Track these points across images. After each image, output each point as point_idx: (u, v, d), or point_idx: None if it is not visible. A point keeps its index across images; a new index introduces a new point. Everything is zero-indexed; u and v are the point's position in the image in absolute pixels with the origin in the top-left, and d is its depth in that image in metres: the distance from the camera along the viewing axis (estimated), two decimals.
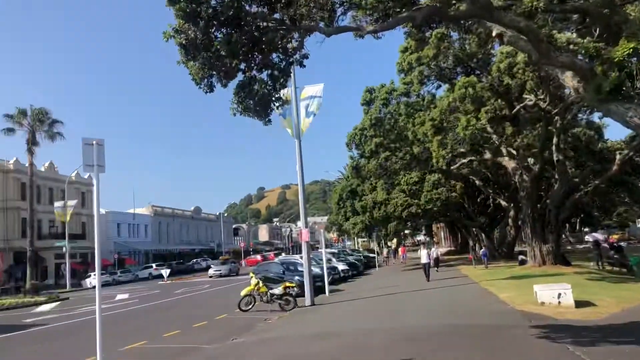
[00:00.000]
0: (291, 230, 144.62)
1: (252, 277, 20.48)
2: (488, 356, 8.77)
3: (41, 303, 30.55)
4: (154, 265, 59.48)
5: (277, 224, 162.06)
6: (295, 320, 16.18)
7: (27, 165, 49.23)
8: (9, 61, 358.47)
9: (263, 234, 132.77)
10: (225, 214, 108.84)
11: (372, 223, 36.00)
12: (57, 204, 50.17)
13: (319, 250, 35.75)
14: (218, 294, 29.37)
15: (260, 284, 19.43)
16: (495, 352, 9.04)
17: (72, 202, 49.69)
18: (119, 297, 31.81)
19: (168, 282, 45.18)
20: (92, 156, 7.96)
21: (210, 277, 46.47)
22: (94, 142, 8.00)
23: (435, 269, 30.62)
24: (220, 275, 46.79)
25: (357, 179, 36.80)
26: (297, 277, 23.55)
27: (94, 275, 52.42)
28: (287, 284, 19.71)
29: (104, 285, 50.22)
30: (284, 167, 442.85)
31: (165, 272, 47.30)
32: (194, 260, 70.49)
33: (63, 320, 21.38)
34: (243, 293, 19.73)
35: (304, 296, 20.01)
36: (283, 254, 67.73)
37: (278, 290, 19.26)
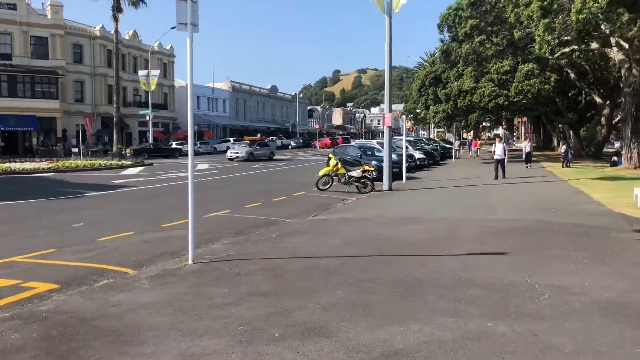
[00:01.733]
0: (364, 116, 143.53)
1: (330, 157, 20.28)
2: (593, 257, 8.13)
3: (128, 166, 32.19)
4: (231, 139, 60.98)
5: (351, 108, 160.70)
6: (373, 203, 15.98)
7: (112, 32, 49.96)
8: None
9: (337, 117, 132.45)
10: (301, 95, 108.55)
11: (454, 112, 34.47)
12: (141, 72, 51.24)
13: (396, 137, 34.99)
14: (293, 172, 29.76)
15: (339, 165, 19.24)
16: (598, 254, 8.38)
17: (155, 72, 50.57)
18: (200, 167, 32.93)
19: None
20: (186, 14, 7.42)
21: (230, 159, 40.82)
22: None
23: (527, 165, 29.37)
24: (242, 159, 40.28)
25: (445, 65, 34.77)
26: (374, 162, 23.18)
27: (175, 144, 54.59)
28: (366, 167, 19.43)
29: (184, 155, 52.39)
30: (361, 51, 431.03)
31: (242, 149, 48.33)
32: (270, 138, 71.73)
33: (149, 184, 22.33)
34: (321, 173, 19.73)
35: (380, 181, 19.78)
36: (357, 140, 67.26)
37: (356, 172, 19.04)
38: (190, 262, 7.69)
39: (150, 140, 51.43)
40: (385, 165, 19.80)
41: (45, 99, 49.59)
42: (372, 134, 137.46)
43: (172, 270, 7.31)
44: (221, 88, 79.32)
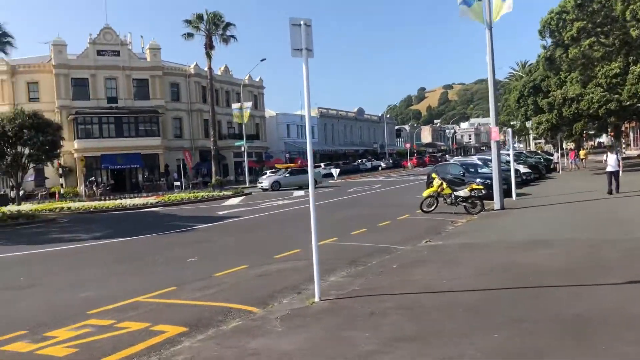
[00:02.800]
0: (455, 132, 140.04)
1: (434, 177, 19.45)
2: None
3: (228, 197, 32.95)
4: (322, 164, 61.30)
5: (440, 125, 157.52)
6: (488, 225, 14.95)
7: (205, 69, 52.20)
8: None
9: (425, 135, 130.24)
10: (388, 116, 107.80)
11: (559, 122, 32.35)
12: (235, 105, 52.93)
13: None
14: (391, 194, 29.04)
15: (444, 185, 18.36)
16: None
17: (247, 104, 52.07)
18: (296, 193, 33.08)
19: (338, 180, 46.29)
20: (301, 39, 7.13)
21: (263, 189, 40.18)
22: (302, 22, 7.13)
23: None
24: (266, 189, 39.65)
25: (549, 72, 32.83)
26: (479, 179, 21.99)
27: (269, 172, 55.64)
28: (474, 186, 18.37)
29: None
30: (445, 67, 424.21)
31: (335, 171, 48.39)
32: (359, 160, 71.49)
33: (251, 213, 22.53)
34: (425, 194, 18.91)
35: (487, 199, 18.67)
36: (455, 157, 65.29)
37: (463, 192, 18.06)
38: (317, 299, 7.26)
39: (246, 171, 52.68)
40: (495, 181, 18.64)
41: (148, 137, 52.40)
42: (464, 150, 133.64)
43: (301, 310, 6.90)
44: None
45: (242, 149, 51.29)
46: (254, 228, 17.76)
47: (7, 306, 8.31)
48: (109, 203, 30.73)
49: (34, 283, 10.13)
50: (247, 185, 48.04)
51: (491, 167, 26.08)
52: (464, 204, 18.01)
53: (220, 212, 23.60)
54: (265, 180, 42.07)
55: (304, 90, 7.40)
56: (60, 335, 6.56)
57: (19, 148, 33.65)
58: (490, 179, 20.99)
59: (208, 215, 22.66)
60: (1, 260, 13.54)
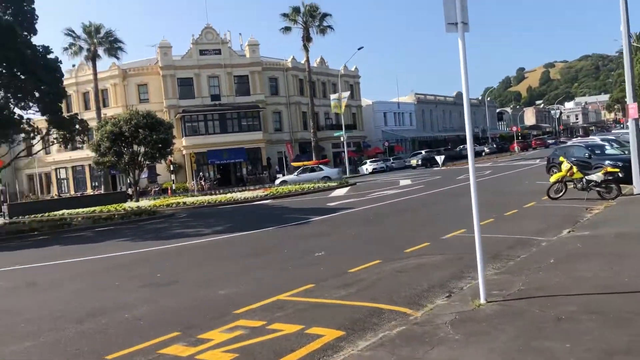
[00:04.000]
0: (561, 112, 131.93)
1: (563, 161, 17.90)
2: None
3: (334, 188, 32.71)
4: (422, 152, 59.75)
5: (544, 106, 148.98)
6: (635, 211, 13.43)
7: (302, 62, 52.50)
8: None
9: (529, 117, 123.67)
10: (488, 99, 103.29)
11: None
12: (333, 96, 52.78)
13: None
14: (506, 181, 27.37)
15: (575, 169, 16.80)
16: None
17: (345, 94, 51.71)
18: (402, 182, 32.21)
19: (444, 168, 44.78)
20: (455, 12, 6.40)
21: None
22: None
23: None
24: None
25: None
26: (607, 162, 20.06)
27: (369, 162, 55.05)
28: (609, 169, 16.68)
29: (379, 172, 52.48)
30: (546, 44, 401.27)
31: (440, 158, 46.87)
32: (461, 146, 68.97)
33: (363, 204, 21.98)
34: (552, 179, 17.44)
35: (623, 183, 16.95)
36: (564, 139, 61.19)
37: (596, 176, 16.42)
38: (482, 301, 6.54)
39: (345, 161, 52.43)
40: (635, 163, 16.82)
41: (250, 132, 53.61)
42: (571, 131, 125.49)
43: (469, 314, 6.20)
44: (406, 102, 78.82)
45: (342, 139, 51.07)
46: (371, 220, 17.21)
47: (153, 304, 8.31)
48: (221, 197, 31.54)
49: (172, 280, 10.20)
50: (347, 175, 47.75)
51: (619, 148, 23.95)
52: (597, 188, 16.41)
53: (331, 204, 23.29)
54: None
55: (461, 71, 6.66)
56: (215, 337, 6.34)
57: (135, 147, 35.44)
58: (621, 160, 19.19)
59: (319, 207, 22.45)
60: (134, 256, 13.94)
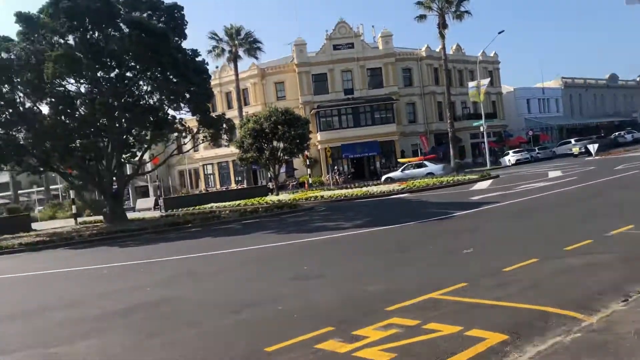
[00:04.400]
0: None
1: None
2: None
3: (475, 181, 31.37)
4: (572, 140, 55.29)
5: None
6: None
7: (437, 50, 51.06)
8: None
9: None
10: None
11: None
12: (471, 84, 50.74)
13: None
14: None
15: None
16: None
17: (484, 81, 49.43)
18: (552, 174, 29.99)
19: (597, 157, 41.04)
20: None
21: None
22: None
23: None
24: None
25: None
26: None
27: (512, 152, 52.16)
28: None
29: (523, 163, 49.49)
30: None
31: (593, 147, 42.97)
32: (617, 133, 62.78)
33: (509, 198, 20.73)
34: None
35: None
36: None
37: None
38: None
39: (486, 152, 50.12)
40: None
41: (384, 124, 53.42)
42: None
43: None
44: (551, 87, 73.53)
45: (481, 129, 48.92)
46: (521, 215, 16.12)
47: (304, 297, 8.40)
48: (357, 191, 31.71)
49: (318, 273, 10.29)
50: (488, 167, 45.63)
51: None
52: None
53: (474, 198, 22.29)
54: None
55: None
56: (370, 335, 6.18)
57: (275, 143, 36.88)
58: None
59: (461, 201, 21.58)
60: (281, 249, 14.37)
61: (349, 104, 54.31)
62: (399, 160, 48.17)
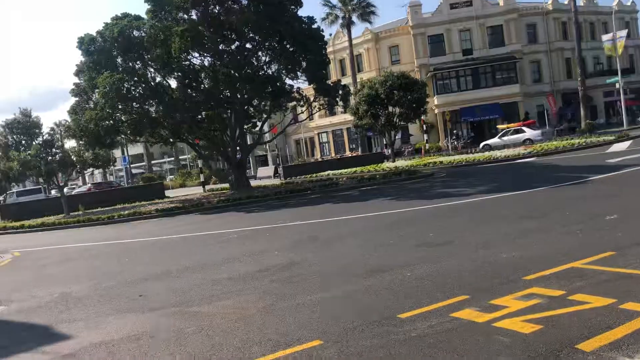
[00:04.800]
0: None
1: None
2: None
3: (610, 142, 28.77)
4: None
5: None
6: None
7: (565, 2, 46.98)
8: None
9: None
10: None
11: None
12: (605, 37, 46.18)
13: None
14: None
15: None
16: None
17: (622, 32, 44.68)
18: None
19: None
20: None
21: None
22: None
23: None
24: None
25: None
26: None
27: None
28: None
29: None
30: None
31: None
32: None
33: None
34: None
35: None
36: None
37: None
38: None
39: (622, 111, 45.70)
40: None
41: (505, 85, 50.62)
42: None
43: None
44: None
45: (617, 86, 44.55)
46: None
47: (433, 264, 8.12)
48: (478, 156, 30.43)
49: (446, 240, 9.94)
50: (624, 127, 41.63)
51: None
52: None
53: (611, 160, 20.42)
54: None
55: None
56: (509, 304, 5.81)
57: (390, 108, 36.31)
58: None
59: (597, 164, 19.87)
60: (402, 215, 14.17)
61: (468, 65, 51.91)
62: (497, 126, 45.93)
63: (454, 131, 50.83)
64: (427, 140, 49.16)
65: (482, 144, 40.73)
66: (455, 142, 47.48)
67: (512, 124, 42.19)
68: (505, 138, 38.73)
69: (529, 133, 37.94)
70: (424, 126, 47.87)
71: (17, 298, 9.63)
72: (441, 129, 52.10)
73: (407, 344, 5.00)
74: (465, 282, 6.93)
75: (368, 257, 9.35)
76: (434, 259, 8.47)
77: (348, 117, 45.79)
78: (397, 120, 37.12)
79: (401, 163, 34.84)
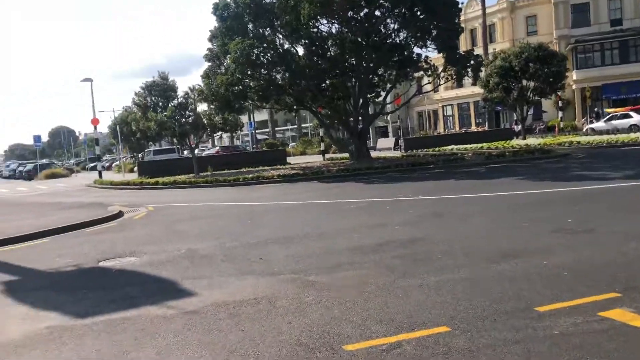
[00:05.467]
0: None
1: None
2: None
3: None
4: None
5: None
6: None
7: None
8: None
9: None
10: None
11: None
12: None
13: None
14: None
15: None
16: None
17: None
18: None
19: None
20: None
21: None
22: None
23: None
24: None
25: None
26: None
27: None
28: None
29: None
30: None
31: None
32: None
33: None
34: None
35: None
36: None
37: None
38: None
39: None
40: None
41: None
42: None
43: None
44: None
45: None
46: None
47: (573, 254, 7.29)
48: (624, 137, 27.57)
49: (587, 227, 8.94)
50: None
51: None
52: None
53: None
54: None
55: None
56: None
57: (524, 82, 34.00)
58: None
59: None
60: (535, 197, 13.15)
61: (616, 37, 47.01)
62: (605, 110, 41.68)
63: (595, 109, 46.62)
64: (561, 117, 45.61)
65: (585, 128, 38.93)
66: (596, 121, 43.57)
67: (620, 108, 38.77)
68: (611, 122, 36.62)
69: (635, 118, 35.36)
70: (560, 102, 44.37)
71: (148, 250, 10.20)
72: (578, 106, 48.06)
73: (547, 342, 4.44)
74: (614, 278, 6.11)
75: (498, 239, 8.68)
76: (573, 248, 7.64)
77: (476, 89, 43.64)
78: (531, 95, 34.69)
79: (532, 141, 32.59)
